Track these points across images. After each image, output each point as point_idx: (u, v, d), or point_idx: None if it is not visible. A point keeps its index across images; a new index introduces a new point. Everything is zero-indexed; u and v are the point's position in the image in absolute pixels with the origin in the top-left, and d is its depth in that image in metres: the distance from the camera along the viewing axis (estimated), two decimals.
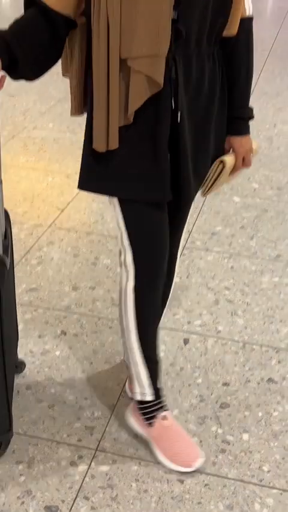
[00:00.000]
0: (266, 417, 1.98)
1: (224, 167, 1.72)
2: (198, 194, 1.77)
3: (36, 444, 1.86)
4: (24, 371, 2.10)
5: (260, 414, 1.99)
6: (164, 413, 1.85)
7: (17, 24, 1.55)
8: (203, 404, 2.02)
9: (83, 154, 1.66)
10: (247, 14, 1.62)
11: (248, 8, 1.62)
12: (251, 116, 1.74)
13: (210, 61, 1.60)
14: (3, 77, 1.51)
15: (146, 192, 1.63)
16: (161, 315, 1.96)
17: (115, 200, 1.67)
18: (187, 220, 1.87)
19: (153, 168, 1.60)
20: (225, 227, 2.99)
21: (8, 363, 1.75)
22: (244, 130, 1.74)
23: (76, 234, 2.90)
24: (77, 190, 3.02)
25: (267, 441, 1.90)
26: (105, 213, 3.03)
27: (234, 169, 1.76)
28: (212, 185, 1.76)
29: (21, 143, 3.75)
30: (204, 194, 1.79)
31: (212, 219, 3.05)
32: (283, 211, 3.14)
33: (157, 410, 1.85)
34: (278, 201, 3.24)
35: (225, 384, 2.10)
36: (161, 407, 1.86)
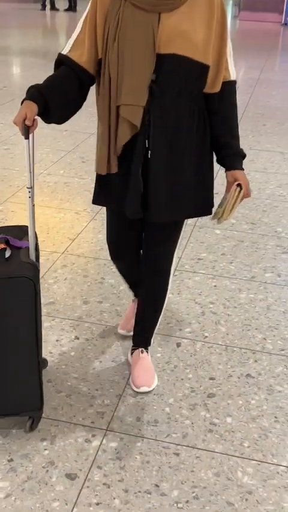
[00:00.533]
0: (245, 405, 2.09)
1: (241, 189, 1.83)
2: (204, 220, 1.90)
3: (57, 425, 1.96)
4: (46, 368, 2.21)
5: (240, 402, 2.10)
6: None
7: (50, 79, 1.76)
8: (193, 394, 2.13)
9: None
10: (231, 77, 1.79)
11: (232, 73, 1.80)
12: (244, 156, 1.89)
13: (189, 113, 1.75)
14: (36, 121, 1.68)
15: (123, 208, 1.85)
16: (145, 317, 2.16)
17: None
18: (172, 244, 1.97)
19: (128, 192, 1.80)
20: (209, 254, 3.13)
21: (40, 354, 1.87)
22: (241, 166, 1.88)
23: (85, 259, 3.03)
24: (85, 224, 3.20)
25: (246, 423, 2.01)
26: None
27: (243, 197, 1.87)
28: (231, 209, 1.85)
29: (37, 186, 3.89)
30: (223, 219, 1.88)
31: (198, 248, 3.19)
32: (256, 242, 3.29)
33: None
34: (252, 234, 3.39)
35: (212, 378, 2.22)
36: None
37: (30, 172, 1.73)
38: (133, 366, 2.17)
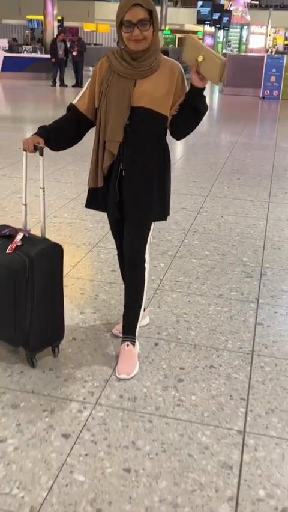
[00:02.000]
0: (208, 387, 2.38)
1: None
2: None
3: (56, 401, 2.24)
4: (48, 361, 2.51)
5: (203, 385, 2.39)
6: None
7: (57, 121, 2.34)
8: (166, 379, 2.42)
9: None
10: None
11: None
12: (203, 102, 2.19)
13: (151, 148, 2.25)
14: (42, 148, 2.27)
15: (107, 210, 2.39)
16: (128, 305, 2.51)
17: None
18: (142, 239, 2.38)
19: (109, 199, 2.33)
20: (185, 277, 3.47)
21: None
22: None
23: (83, 281, 3.36)
24: (83, 254, 3.54)
25: (207, 400, 2.29)
26: (103, 268, 3.52)
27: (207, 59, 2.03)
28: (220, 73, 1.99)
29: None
30: (219, 82, 2.08)
31: (176, 273, 3.53)
32: (225, 268, 3.63)
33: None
34: (222, 262, 3.73)
35: (182, 368, 2.51)
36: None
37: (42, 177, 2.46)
38: (119, 357, 2.48)
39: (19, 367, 2.45)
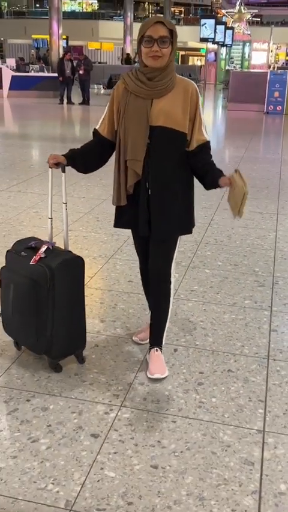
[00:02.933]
0: (227, 390, 2.48)
1: (245, 193, 2.17)
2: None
3: (83, 403, 2.35)
4: (73, 366, 2.62)
5: (222, 388, 2.50)
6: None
7: (84, 146, 2.47)
8: (186, 383, 2.53)
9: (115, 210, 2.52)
10: (205, 139, 2.36)
11: (205, 137, 2.36)
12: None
13: (173, 165, 2.33)
14: (64, 165, 2.43)
15: (137, 229, 2.44)
16: (155, 319, 2.60)
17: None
18: (169, 257, 2.49)
19: (139, 217, 2.39)
20: (200, 287, 3.59)
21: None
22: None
23: (101, 291, 3.48)
24: (100, 266, 3.66)
25: (227, 402, 2.39)
26: (120, 278, 3.64)
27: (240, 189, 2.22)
28: (241, 204, 2.20)
29: (61, 239, 4.38)
30: (239, 214, 2.25)
31: (191, 282, 3.65)
32: (238, 278, 3.74)
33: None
34: (235, 272, 3.85)
35: (201, 372, 2.62)
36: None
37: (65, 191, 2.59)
38: (149, 361, 2.58)
39: (46, 372, 2.56)
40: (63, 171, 2.46)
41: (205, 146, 2.37)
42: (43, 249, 2.51)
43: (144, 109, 2.27)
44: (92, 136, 2.47)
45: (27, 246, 2.56)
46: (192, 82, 2.37)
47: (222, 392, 2.46)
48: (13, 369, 2.58)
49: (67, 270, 2.46)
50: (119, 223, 2.52)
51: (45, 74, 18.73)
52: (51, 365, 2.56)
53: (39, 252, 2.49)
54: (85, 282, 3.51)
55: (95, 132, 2.45)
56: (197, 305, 3.32)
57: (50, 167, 2.48)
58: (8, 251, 2.61)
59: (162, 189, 2.35)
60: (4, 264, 2.60)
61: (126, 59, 26.44)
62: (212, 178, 2.34)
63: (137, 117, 2.27)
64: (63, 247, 2.65)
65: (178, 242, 2.51)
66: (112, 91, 2.39)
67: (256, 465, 2.03)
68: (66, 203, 2.61)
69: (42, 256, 2.47)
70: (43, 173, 6.62)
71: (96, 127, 2.44)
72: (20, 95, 17.48)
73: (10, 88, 17.76)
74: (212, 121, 15.65)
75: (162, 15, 36.19)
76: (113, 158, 2.44)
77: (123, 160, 2.34)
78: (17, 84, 17.69)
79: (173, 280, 2.55)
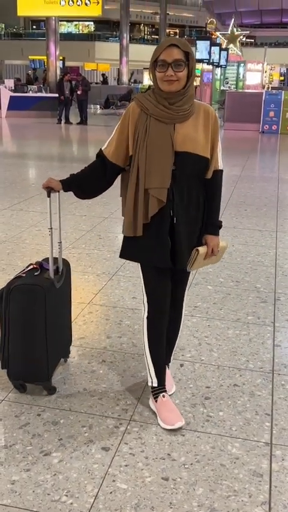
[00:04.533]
0: (233, 404, 2.53)
1: (198, 253, 2.28)
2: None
3: (93, 417, 2.39)
4: (81, 381, 2.67)
5: (229, 402, 2.55)
6: (163, 394, 2.41)
7: (85, 168, 2.34)
8: (193, 397, 2.58)
9: (123, 240, 2.35)
10: (219, 167, 2.31)
11: (220, 165, 2.32)
12: (221, 226, 2.39)
13: (196, 191, 2.27)
14: (49, 191, 2.36)
15: (155, 261, 2.29)
16: (172, 339, 2.54)
17: (139, 266, 2.35)
18: (187, 283, 2.47)
19: (160, 248, 2.26)
20: (203, 303, 3.65)
21: (52, 337, 2.51)
22: (215, 232, 2.36)
23: (106, 307, 3.53)
24: (104, 283, 3.72)
25: (234, 416, 2.44)
26: (124, 295, 3.70)
27: (207, 256, 2.34)
28: (192, 264, 2.31)
29: (64, 257, 4.45)
30: (188, 269, 2.33)
31: (194, 299, 3.71)
32: (240, 294, 3.81)
33: (160, 391, 2.41)
34: (237, 288, 3.91)
35: (207, 387, 2.66)
36: (162, 390, 2.42)
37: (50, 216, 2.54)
38: (167, 409, 2.37)
39: (56, 387, 2.60)
40: (48, 196, 2.38)
41: (218, 174, 2.31)
42: (27, 268, 2.57)
43: (167, 134, 2.15)
44: (96, 157, 2.33)
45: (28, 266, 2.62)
46: (209, 105, 2.33)
47: (229, 406, 2.51)
48: None
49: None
50: (127, 253, 2.35)
51: (43, 94, 18.97)
52: (13, 384, 2.56)
53: (23, 270, 2.56)
54: (91, 299, 3.59)
55: (100, 154, 2.31)
56: (201, 321, 3.37)
57: (48, 194, 2.38)
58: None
59: (187, 217, 2.24)
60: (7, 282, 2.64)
61: (103, 81, 26.58)
62: (206, 220, 2.34)
63: (161, 142, 2.15)
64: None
65: None
66: (125, 114, 2.25)
67: (265, 477, 2.07)
68: (51, 228, 2.57)
69: (23, 275, 2.51)
70: (44, 193, 6.68)
71: (102, 148, 2.30)
72: (19, 115, 17.69)
73: (8, 108, 17.97)
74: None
75: (177, 36, 36.86)
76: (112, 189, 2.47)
77: (142, 188, 2.20)
78: (15, 104, 17.91)
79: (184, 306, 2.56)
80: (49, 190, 2.35)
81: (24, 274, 2.51)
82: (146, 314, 2.38)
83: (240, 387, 2.66)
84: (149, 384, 2.44)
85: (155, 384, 2.43)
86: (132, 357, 2.91)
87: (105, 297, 3.68)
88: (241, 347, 3.06)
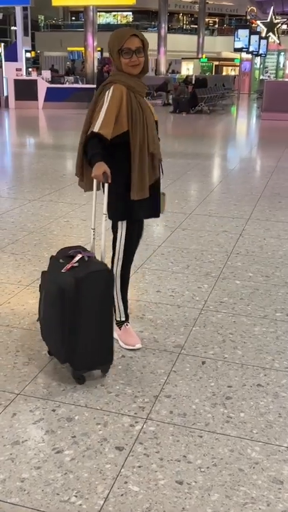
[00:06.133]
0: (256, 405, 2.42)
1: (164, 195, 2.81)
2: None
3: (109, 415, 2.32)
4: (98, 376, 2.60)
5: (251, 403, 2.44)
6: (127, 323, 2.91)
7: (101, 148, 2.47)
8: (214, 396, 2.48)
9: (111, 203, 2.56)
10: None
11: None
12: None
13: None
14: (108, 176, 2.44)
15: (153, 214, 2.77)
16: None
17: (123, 225, 2.73)
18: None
19: (155, 201, 2.73)
20: (230, 298, 3.53)
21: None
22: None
23: (130, 301, 3.41)
24: (130, 275, 3.57)
25: (256, 417, 2.33)
26: (148, 288, 3.61)
27: None
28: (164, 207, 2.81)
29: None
30: (162, 212, 2.80)
31: (220, 294, 3.59)
32: (269, 290, 3.67)
33: (124, 322, 2.90)
34: (266, 284, 3.77)
35: (229, 386, 2.56)
36: (127, 322, 2.91)
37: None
38: (129, 335, 2.88)
39: (72, 382, 2.55)
40: (107, 181, 2.41)
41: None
42: (77, 258, 2.50)
43: (148, 106, 2.64)
44: (87, 139, 2.50)
45: (67, 254, 2.55)
46: None
47: (251, 407, 2.40)
48: (40, 378, 2.58)
49: (93, 282, 2.42)
50: (139, 214, 2.70)
51: (80, 85, 18.97)
52: (74, 376, 2.55)
53: (72, 261, 2.48)
54: None
55: (99, 136, 2.44)
56: (226, 317, 3.26)
57: (102, 182, 2.43)
58: (51, 257, 2.65)
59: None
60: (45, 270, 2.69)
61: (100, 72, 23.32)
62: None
63: (148, 113, 2.61)
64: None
65: None
66: (116, 96, 2.50)
67: (285, 484, 1.96)
68: (106, 214, 2.56)
69: (75, 265, 2.46)
70: (74, 184, 6.62)
71: (96, 130, 2.44)
72: (55, 106, 17.75)
73: (45, 100, 18.06)
74: (246, 130, 15.54)
75: (216, 26, 36.21)
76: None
77: (146, 153, 2.58)
78: (52, 95, 17.98)
79: None
80: (106, 176, 2.40)
81: (77, 264, 2.46)
82: (119, 268, 2.82)
83: (264, 387, 2.55)
84: (117, 319, 2.87)
85: (123, 319, 2.91)
86: (152, 353, 2.83)
87: (129, 290, 3.59)
88: (267, 345, 2.93)
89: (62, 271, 2.44)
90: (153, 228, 4.94)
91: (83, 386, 2.52)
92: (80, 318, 2.42)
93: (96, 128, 2.45)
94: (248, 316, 3.27)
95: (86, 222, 5.11)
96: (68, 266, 2.45)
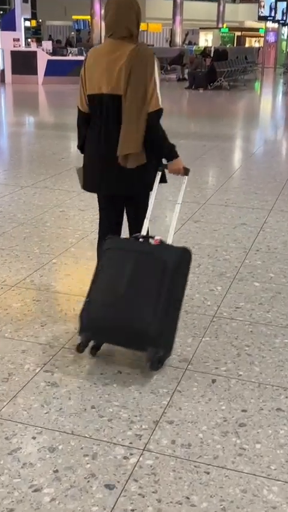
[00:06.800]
0: (275, 434, 2.25)
1: None
2: None
3: (99, 444, 2.16)
4: (90, 396, 2.44)
5: (269, 431, 2.26)
6: None
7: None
8: (225, 423, 2.31)
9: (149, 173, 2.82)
10: None
11: None
12: None
13: None
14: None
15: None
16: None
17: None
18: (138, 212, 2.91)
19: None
20: (247, 303, 3.35)
21: None
22: None
23: None
24: None
25: (274, 450, 2.16)
26: None
27: None
28: None
29: (88, 243, 4.24)
30: None
31: (236, 298, 3.41)
32: None
33: None
34: None
35: (244, 410, 2.39)
36: None
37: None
38: None
39: (58, 403, 2.39)
40: (187, 174, 2.84)
41: None
42: (158, 237, 2.66)
43: None
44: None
45: (135, 237, 2.74)
46: None
47: (268, 436, 2.23)
48: (20, 398, 2.43)
49: (188, 258, 2.67)
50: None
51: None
52: (152, 359, 2.50)
53: (156, 238, 2.65)
54: None
55: (161, 113, 2.75)
56: (242, 326, 3.08)
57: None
58: (107, 237, 2.76)
59: None
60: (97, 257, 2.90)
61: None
62: None
63: None
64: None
65: None
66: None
67: None
68: (180, 203, 2.87)
69: (158, 243, 2.64)
70: (74, 168, 6.49)
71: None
72: (57, 81, 17.57)
73: (46, 74, 17.89)
74: (271, 109, 15.28)
75: None
76: None
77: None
78: (53, 69, 17.79)
79: None
80: (187, 170, 2.84)
81: (159, 242, 2.63)
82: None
83: (286, 412, 2.37)
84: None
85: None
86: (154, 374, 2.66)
87: None
88: None
89: (153, 243, 2.63)
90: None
91: (69, 408, 2.37)
92: (171, 294, 2.53)
93: (161, 104, 2.70)
94: (267, 325, 3.09)
95: (83, 212, 4.95)
96: (157, 240, 2.63)
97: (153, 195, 2.81)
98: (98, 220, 3.07)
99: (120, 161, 2.71)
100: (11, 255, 3.97)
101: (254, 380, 2.60)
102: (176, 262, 2.54)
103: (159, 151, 2.77)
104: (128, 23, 2.69)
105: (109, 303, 2.55)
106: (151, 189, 2.82)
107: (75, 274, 3.70)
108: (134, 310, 2.49)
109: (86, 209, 5.00)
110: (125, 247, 2.67)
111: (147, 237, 2.72)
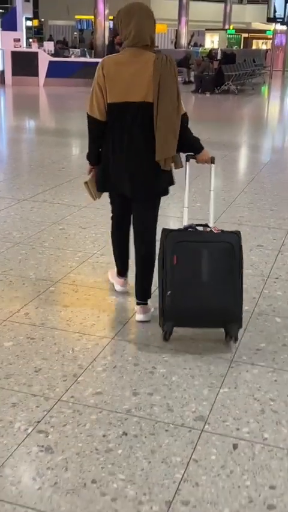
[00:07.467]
0: None
1: None
2: None
3: None
4: (90, 467, 2.11)
5: None
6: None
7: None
8: (251, 504, 1.97)
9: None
10: None
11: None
12: None
13: None
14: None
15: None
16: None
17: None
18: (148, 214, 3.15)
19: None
20: (269, 344, 3.01)
21: None
22: None
23: (136, 345, 2.96)
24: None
25: None
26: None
27: None
28: None
29: (90, 267, 3.92)
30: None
31: (256, 337, 3.08)
32: None
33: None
34: None
35: (272, 487, 2.05)
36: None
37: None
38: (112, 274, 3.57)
39: (53, 476, 2.06)
40: (213, 162, 3.19)
41: None
42: (212, 224, 3.13)
43: None
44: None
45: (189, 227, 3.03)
46: None
47: None
48: (8, 468, 2.10)
49: (241, 238, 2.97)
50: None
51: (88, 59, 18.48)
52: (236, 334, 2.93)
53: (214, 227, 3.01)
54: (115, 335, 3.01)
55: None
56: (265, 373, 2.75)
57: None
58: (170, 231, 2.95)
59: None
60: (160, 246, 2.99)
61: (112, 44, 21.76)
62: None
63: None
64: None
65: None
66: None
67: None
68: (212, 190, 3.23)
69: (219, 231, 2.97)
70: (75, 179, 6.18)
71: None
72: (58, 83, 17.27)
73: (47, 75, 17.60)
74: (279, 112, 14.98)
75: None
76: None
77: None
78: (55, 70, 17.50)
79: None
80: (214, 158, 3.20)
81: (215, 229, 2.98)
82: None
83: None
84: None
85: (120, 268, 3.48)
86: (165, 429, 2.34)
87: (135, 330, 3.11)
88: None
89: (215, 232, 2.95)
90: None
91: (66, 481, 2.04)
92: (240, 274, 2.93)
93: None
94: None
95: (85, 230, 4.62)
96: (215, 230, 2.96)
97: (186, 185, 3.18)
98: (111, 213, 3.35)
99: (161, 164, 2.94)
100: (4, 282, 3.64)
101: (282, 445, 2.26)
102: (239, 244, 2.92)
103: (190, 146, 3.07)
104: (151, 32, 2.87)
105: (194, 293, 2.85)
106: (167, 193, 3.12)
107: (75, 305, 3.37)
108: (219, 296, 2.85)
109: (88, 226, 4.66)
110: (196, 239, 2.95)
111: (203, 225, 3.02)
